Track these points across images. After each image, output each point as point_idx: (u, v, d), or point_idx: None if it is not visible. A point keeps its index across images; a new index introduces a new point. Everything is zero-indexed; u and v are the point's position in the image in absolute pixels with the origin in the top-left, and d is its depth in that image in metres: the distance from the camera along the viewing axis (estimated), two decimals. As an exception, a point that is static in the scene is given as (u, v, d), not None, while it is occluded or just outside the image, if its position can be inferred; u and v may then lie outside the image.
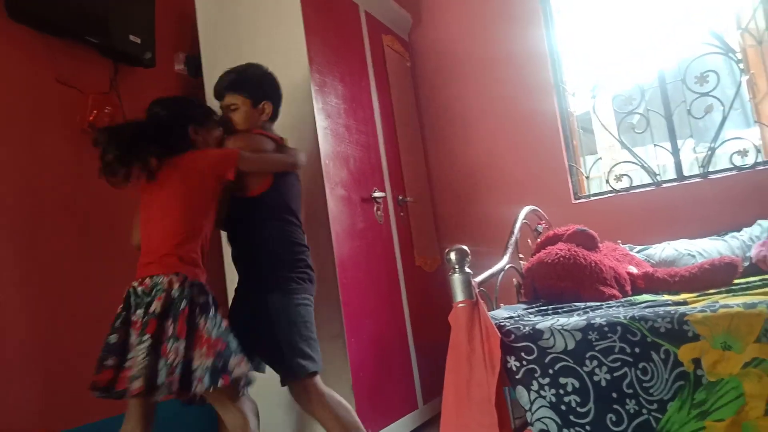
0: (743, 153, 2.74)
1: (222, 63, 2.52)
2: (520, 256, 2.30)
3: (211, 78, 2.54)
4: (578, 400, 1.44)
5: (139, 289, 1.59)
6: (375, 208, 2.60)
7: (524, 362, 1.50)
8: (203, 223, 1.73)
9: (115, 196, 2.28)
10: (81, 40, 2.17)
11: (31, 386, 1.90)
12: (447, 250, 1.60)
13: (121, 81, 2.37)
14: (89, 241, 2.16)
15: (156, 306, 1.54)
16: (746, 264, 2.24)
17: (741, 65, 2.85)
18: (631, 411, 1.40)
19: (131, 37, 2.32)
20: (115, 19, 2.25)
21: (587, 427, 1.43)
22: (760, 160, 2.72)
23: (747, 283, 1.93)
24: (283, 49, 2.36)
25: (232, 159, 1.75)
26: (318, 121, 2.27)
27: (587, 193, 3.09)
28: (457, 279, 1.56)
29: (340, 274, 2.21)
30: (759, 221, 2.44)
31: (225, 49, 2.52)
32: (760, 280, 1.91)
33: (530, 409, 1.49)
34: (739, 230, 2.49)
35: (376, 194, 2.60)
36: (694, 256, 2.40)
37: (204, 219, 1.74)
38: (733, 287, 1.88)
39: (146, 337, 1.50)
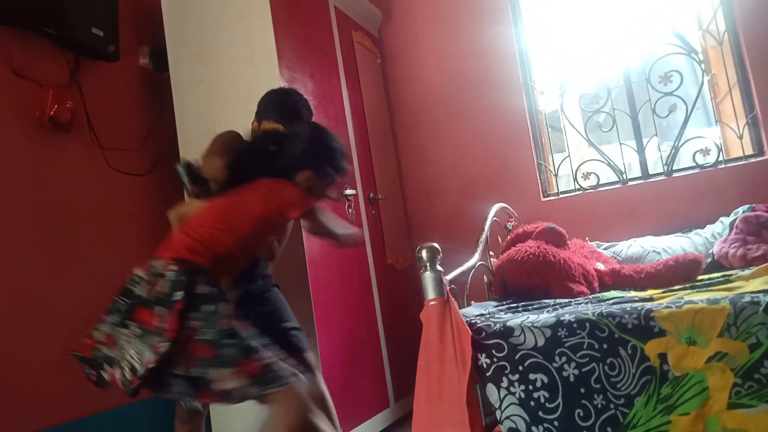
0: (705, 152, 2.81)
1: (189, 57, 2.47)
2: (491, 253, 2.31)
3: (177, 73, 2.48)
4: (547, 395, 1.46)
5: (139, 273, 1.43)
6: (346, 206, 2.59)
7: (495, 359, 1.51)
8: (246, 233, 1.55)
9: (74, 191, 2.22)
10: (39, 32, 2.09)
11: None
12: (418, 248, 1.59)
13: (83, 74, 2.30)
14: (46, 237, 2.09)
15: (143, 290, 1.39)
16: (709, 260, 2.29)
17: (703, 65, 2.92)
18: (599, 406, 1.42)
19: (93, 30, 2.24)
20: (75, 11, 2.18)
21: (555, 423, 1.44)
22: (721, 158, 2.79)
23: (710, 279, 1.97)
24: (252, 43, 2.32)
25: (305, 205, 1.62)
26: (287, 118, 2.24)
27: (556, 191, 3.13)
28: (428, 277, 1.56)
29: (311, 272, 2.18)
30: (721, 218, 2.50)
31: (191, 43, 2.46)
32: (723, 276, 1.96)
33: (500, 407, 1.49)
34: (702, 227, 2.55)
35: (348, 191, 2.59)
36: (659, 253, 2.45)
37: (247, 226, 1.56)
38: (697, 283, 1.92)
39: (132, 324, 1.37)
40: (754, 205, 2.40)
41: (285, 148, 1.66)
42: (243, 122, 2.41)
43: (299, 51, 2.44)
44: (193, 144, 2.45)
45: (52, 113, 2.11)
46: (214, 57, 2.40)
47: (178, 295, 1.35)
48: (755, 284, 1.63)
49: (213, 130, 2.45)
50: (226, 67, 2.38)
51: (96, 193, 2.31)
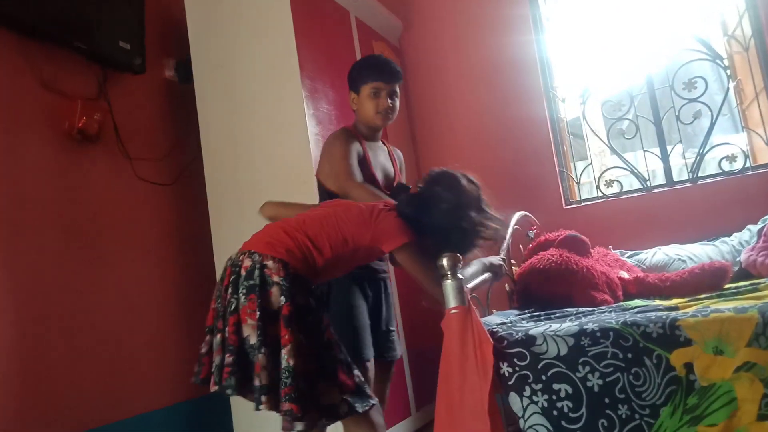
0: (732, 158, 2.76)
1: (213, 69, 2.52)
2: (512, 261, 2.29)
3: (201, 85, 2.53)
4: (570, 405, 1.44)
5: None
6: (366, 215, 2.59)
7: (517, 368, 1.49)
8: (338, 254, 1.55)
9: (101, 200, 2.28)
10: (68, 46, 2.15)
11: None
12: (439, 256, 1.59)
13: (110, 87, 2.36)
14: (75, 245, 2.14)
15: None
16: (736, 269, 2.25)
17: (728, 71, 2.88)
18: (624, 416, 1.40)
19: (120, 43, 2.30)
20: (103, 25, 2.24)
21: (579, 433, 1.42)
22: (748, 165, 2.74)
23: (737, 287, 1.93)
24: (274, 54, 2.36)
25: (398, 242, 1.58)
26: (309, 127, 2.27)
27: (578, 199, 3.10)
28: (449, 285, 1.55)
29: (331, 280, 2.19)
30: (748, 226, 2.45)
31: (215, 56, 2.51)
32: (750, 285, 1.92)
33: (523, 416, 1.48)
34: (729, 235, 2.51)
35: (368, 200, 2.59)
36: (684, 261, 2.41)
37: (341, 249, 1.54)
38: (724, 292, 1.89)
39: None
40: (782, 212, 2.36)
41: (430, 215, 1.64)
42: (266, 132, 2.46)
43: (320, 62, 2.47)
44: (217, 154, 2.50)
45: (80, 125, 2.16)
46: (238, 69, 2.45)
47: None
48: (784, 293, 1.60)
49: (236, 140, 2.49)
50: (248, 78, 2.42)
51: (123, 201, 2.37)
